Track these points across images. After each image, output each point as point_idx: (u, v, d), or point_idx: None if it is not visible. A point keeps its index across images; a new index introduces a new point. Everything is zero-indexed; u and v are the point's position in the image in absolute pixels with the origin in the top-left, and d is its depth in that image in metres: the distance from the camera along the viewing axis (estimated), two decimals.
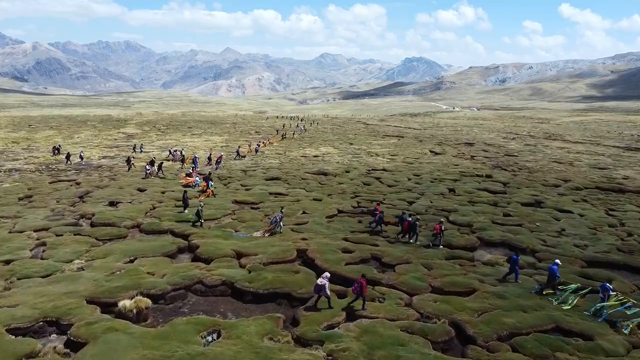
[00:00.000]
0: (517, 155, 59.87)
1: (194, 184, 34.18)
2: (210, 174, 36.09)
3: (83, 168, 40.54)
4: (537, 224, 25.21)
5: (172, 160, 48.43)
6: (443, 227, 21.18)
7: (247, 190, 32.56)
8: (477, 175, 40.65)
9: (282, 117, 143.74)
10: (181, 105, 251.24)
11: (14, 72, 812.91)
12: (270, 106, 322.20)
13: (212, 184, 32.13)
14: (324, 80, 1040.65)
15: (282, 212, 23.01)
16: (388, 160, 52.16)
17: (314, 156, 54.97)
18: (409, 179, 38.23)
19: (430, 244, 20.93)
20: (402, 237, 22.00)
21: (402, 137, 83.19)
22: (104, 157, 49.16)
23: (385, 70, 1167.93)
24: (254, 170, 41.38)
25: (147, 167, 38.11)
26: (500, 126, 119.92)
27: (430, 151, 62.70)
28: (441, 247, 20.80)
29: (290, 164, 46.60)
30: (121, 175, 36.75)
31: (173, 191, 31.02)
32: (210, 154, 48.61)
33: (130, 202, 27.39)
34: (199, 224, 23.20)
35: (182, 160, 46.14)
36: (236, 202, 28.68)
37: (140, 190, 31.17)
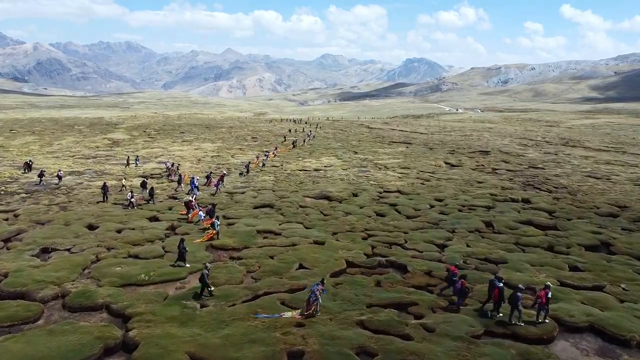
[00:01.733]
0: (543, 168, 53.04)
1: (196, 218, 25.58)
2: (215, 205, 27.25)
3: (35, 190, 33.56)
4: (623, 285, 18.16)
5: (168, 177, 40.31)
6: (550, 293, 14.55)
7: (229, 225, 25.28)
8: (512, 200, 33.58)
9: (283, 119, 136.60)
10: (181, 107, 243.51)
11: (14, 72, 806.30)
12: (270, 107, 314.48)
13: (218, 223, 23.18)
14: (324, 81, 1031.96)
15: (322, 284, 15.32)
16: (400, 175, 45.27)
17: (315, 169, 48.18)
18: (432, 206, 31.02)
19: (542, 319, 14.75)
20: (491, 311, 15.26)
21: (410, 143, 76.58)
22: (70, 173, 42.26)
23: (386, 71, 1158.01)
24: (243, 193, 34.42)
25: (130, 194, 29.21)
26: (510, 130, 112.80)
27: (445, 162, 55.92)
28: (541, 320, 14.82)
29: (286, 182, 39.69)
30: (76, 203, 29.61)
31: (133, 229, 23.86)
32: (210, 173, 39.97)
33: (68, 249, 20.46)
34: (206, 293, 16.19)
35: (179, 181, 36.09)
36: (212, 247, 21.63)
37: (91, 227, 24.14)
